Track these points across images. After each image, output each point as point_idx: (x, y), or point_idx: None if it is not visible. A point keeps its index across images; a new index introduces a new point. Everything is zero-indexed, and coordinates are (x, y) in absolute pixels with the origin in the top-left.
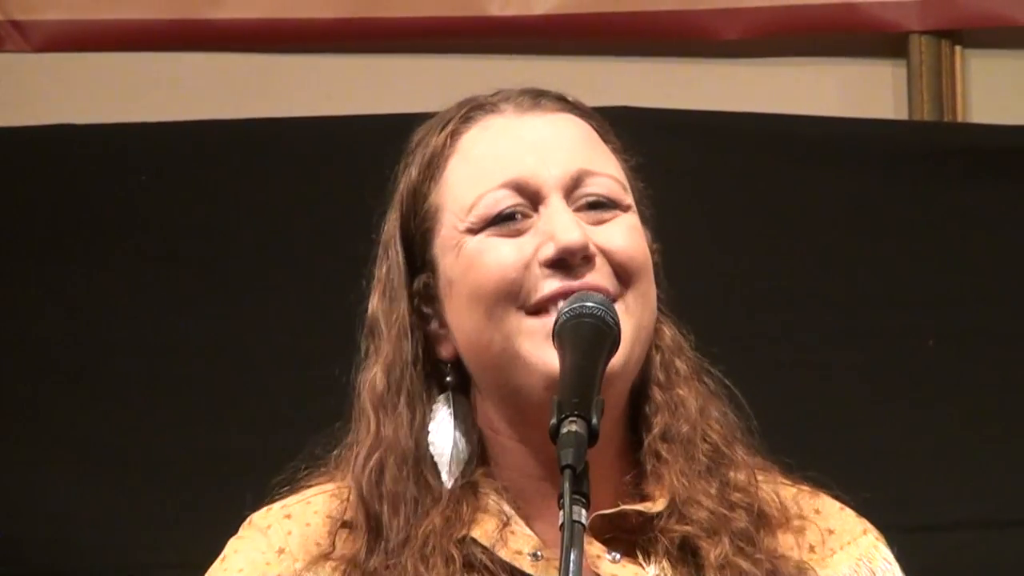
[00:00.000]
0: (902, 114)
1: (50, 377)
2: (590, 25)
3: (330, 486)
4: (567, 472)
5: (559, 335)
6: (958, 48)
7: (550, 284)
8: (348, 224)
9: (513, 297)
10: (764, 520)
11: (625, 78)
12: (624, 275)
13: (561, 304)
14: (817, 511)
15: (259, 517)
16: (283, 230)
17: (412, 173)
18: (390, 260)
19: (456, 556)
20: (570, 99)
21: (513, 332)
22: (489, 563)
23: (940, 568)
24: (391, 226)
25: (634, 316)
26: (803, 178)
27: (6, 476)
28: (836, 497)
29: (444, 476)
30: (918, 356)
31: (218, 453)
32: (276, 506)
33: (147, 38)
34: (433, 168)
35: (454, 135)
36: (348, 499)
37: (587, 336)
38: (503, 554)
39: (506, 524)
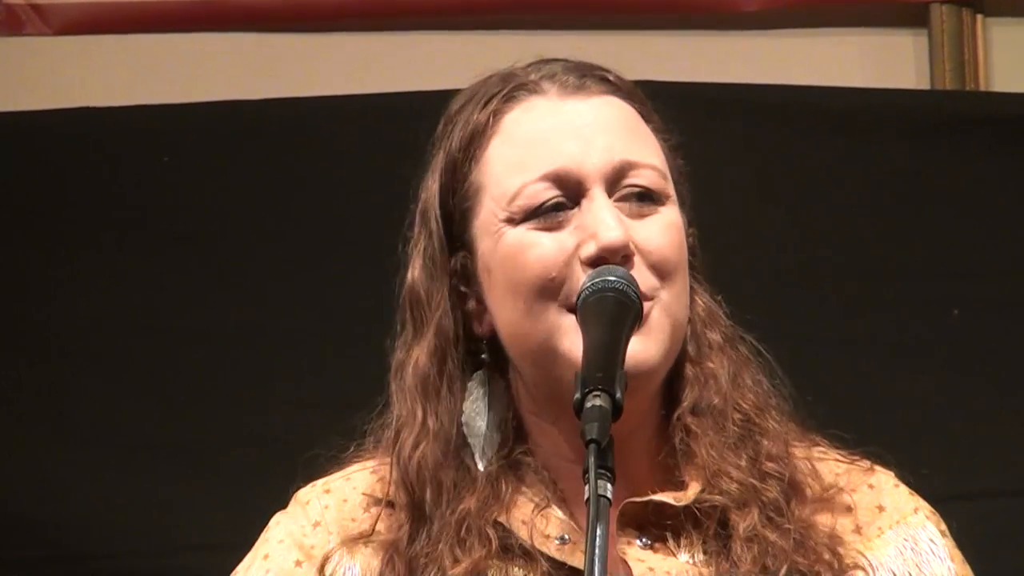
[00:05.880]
0: (924, 84)
1: (78, 360)
2: None
3: (372, 463)
4: (592, 446)
5: (582, 310)
6: (979, 16)
7: None
8: (371, 205)
9: (554, 293)
10: (796, 490)
11: (647, 52)
12: (660, 273)
13: (583, 280)
14: (870, 486)
15: (302, 493)
16: (306, 211)
17: (452, 145)
18: (430, 233)
19: (492, 538)
20: (613, 79)
21: (553, 328)
22: (524, 545)
23: (966, 537)
24: (430, 196)
25: (670, 315)
26: (824, 149)
27: (33, 459)
28: (894, 475)
29: (478, 459)
30: (943, 326)
31: (245, 436)
32: (319, 482)
33: (167, 19)
34: (474, 146)
35: (496, 114)
36: (388, 478)
37: (610, 311)
38: (532, 539)
39: (543, 506)
